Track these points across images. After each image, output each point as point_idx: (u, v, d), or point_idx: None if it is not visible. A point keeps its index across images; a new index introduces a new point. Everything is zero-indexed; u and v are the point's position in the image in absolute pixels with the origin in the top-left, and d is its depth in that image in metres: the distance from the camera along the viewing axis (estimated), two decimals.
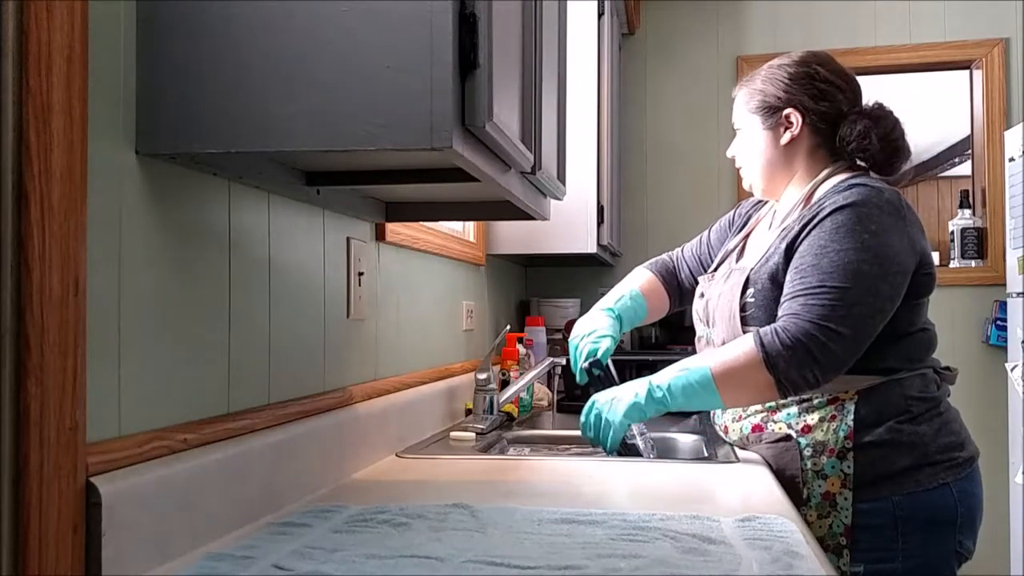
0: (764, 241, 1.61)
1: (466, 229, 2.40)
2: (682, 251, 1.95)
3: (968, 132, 3.39)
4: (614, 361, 1.73)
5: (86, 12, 0.79)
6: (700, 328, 1.71)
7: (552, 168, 1.36)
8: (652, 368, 2.50)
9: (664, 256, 1.97)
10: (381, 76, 0.85)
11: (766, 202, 1.75)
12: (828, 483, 1.47)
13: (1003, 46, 3.17)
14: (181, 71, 0.88)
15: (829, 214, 1.45)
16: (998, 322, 3.08)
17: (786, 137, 1.58)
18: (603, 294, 3.23)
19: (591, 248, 2.58)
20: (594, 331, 1.73)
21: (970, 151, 3.37)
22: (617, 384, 1.60)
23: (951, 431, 1.51)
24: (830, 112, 1.57)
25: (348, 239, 1.45)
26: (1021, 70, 3.17)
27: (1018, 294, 2.92)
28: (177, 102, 0.88)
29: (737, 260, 1.69)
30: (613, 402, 1.53)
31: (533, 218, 1.43)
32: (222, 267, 1.06)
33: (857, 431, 1.47)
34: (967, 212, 3.27)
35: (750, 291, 1.53)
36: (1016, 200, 2.94)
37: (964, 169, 5.63)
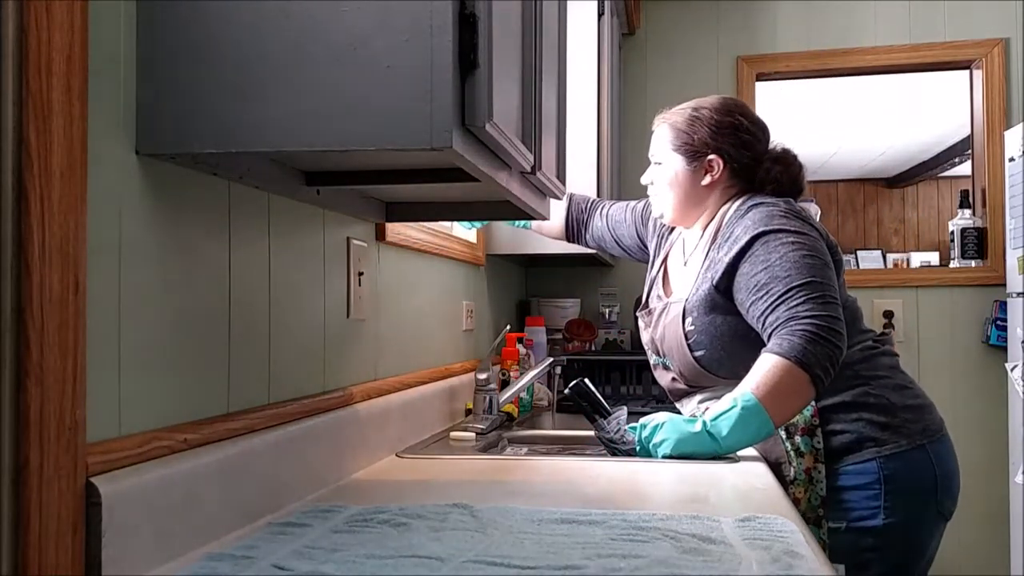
0: (689, 271, 1.75)
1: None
2: (609, 208, 2.11)
3: (968, 132, 3.39)
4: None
5: (86, 12, 0.78)
6: (653, 357, 1.84)
7: (552, 168, 1.36)
8: (651, 369, 2.51)
9: (592, 199, 2.17)
10: (381, 76, 0.85)
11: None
12: (806, 459, 1.58)
13: (1003, 46, 3.17)
14: (181, 71, 0.88)
15: (754, 236, 1.58)
16: (998, 322, 3.08)
17: (707, 180, 1.72)
18: (604, 294, 3.27)
19: (591, 248, 2.58)
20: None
21: (970, 151, 3.37)
22: (603, 404, 1.64)
23: (915, 395, 1.67)
24: (749, 159, 1.72)
25: (348, 239, 1.45)
26: (1021, 70, 3.17)
27: (1018, 294, 2.92)
28: (177, 102, 0.88)
29: (664, 291, 1.83)
30: (663, 443, 1.51)
31: (533, 218, 1.43)
32: (222, 267, 1.06)
33: (821, 409, 1.59)
34: (967, 212, 3.27)
35: (688, 320, 1.66)
36: (1016, 200, 2.94)
37: (964, 169, 5.65)
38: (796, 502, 1.55)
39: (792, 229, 1.58)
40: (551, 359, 2.15)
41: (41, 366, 0.73)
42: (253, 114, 0.87)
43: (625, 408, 1.66)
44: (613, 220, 2.08)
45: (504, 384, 2.18)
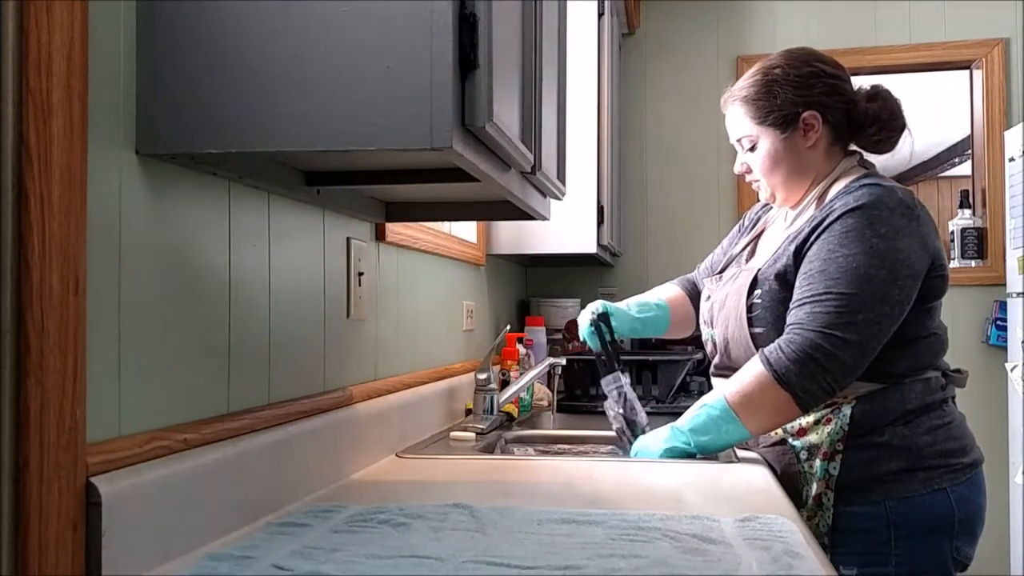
0: (774, 242, 1.60)
1: (465, 228, 2.40)
2: (698, 268, 1.93)
3: (968, 132, 3.39)
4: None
5: (86, 12, 0.79)
6: (705, 331, 1.69)
7: (552, 168, 1.36)
8: (652, 368, 2.52)
9: (684, 278, 1.95)
10: (381, 76, 0.85)
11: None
12: (818, 484, 1.48)
13: (1003, 46, 3.17)
14: (181, 71, 0.88)
15: (839, 217, 1.44)
16: (998, 322, 3.08)
17: (810, 140, 1.55)
18: (603, 295, 3.28)
19: (591, 248, 2.58)
20: (611, 312, 1.78)
21: (970, 151, 3.37)
22: (615, 358, 1.66)
23: (951, 437, 1.49)
24: (843, 104, 1.56)
25: (348, 239, 1.45)
26: (1021, 70, 3.17)
27: (1018, 294, 2.92)
28: (177, 102, 0.88)
29: (747, 261, 1.68)
30: (639, 455, 1.55)
31: (533, 218, 1.43)
32: (222, 267, 1.06)
33: (851, 435, 1.46)
34: (967, 212, 3.27)
35: (757, 291, 1.52)
36: (1016, 200, 2.94)
37: (964, 169, 5.63)
38: None
39: (884, 232, 1.41)
40: (551, 359, 2.15)
41: (41, 366, 0.73)
42: (253, 114, 0.87)
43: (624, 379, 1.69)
44: (713, 270, 1.84)
45: (504, 384, 2.18)
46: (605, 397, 1.72)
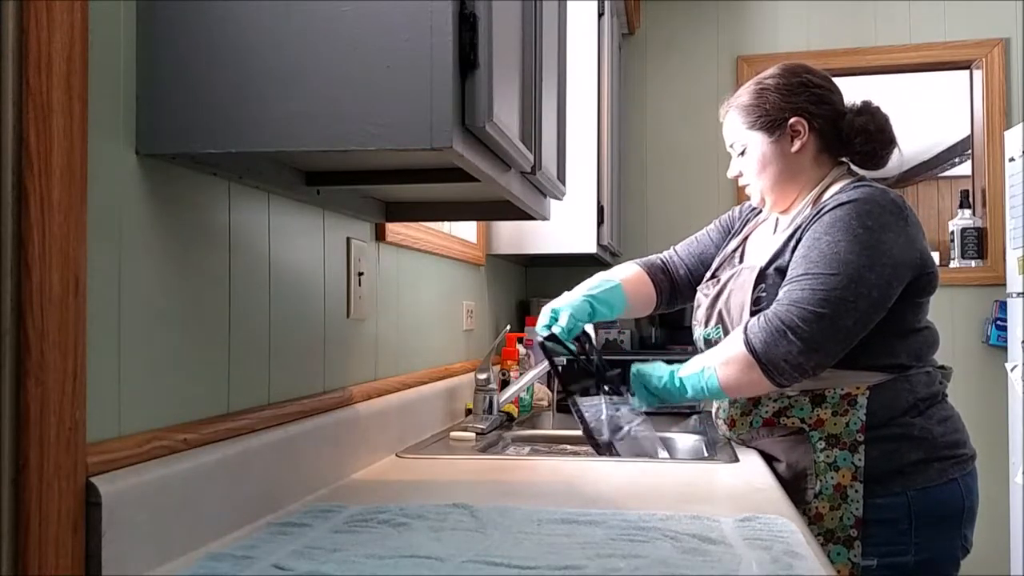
0: (771, 241, 1.65)
1: (465, 228, 2.40)
2: (675, 250, 1.95)
3: (968, 132, 3.39)
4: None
5: (86, 12, 0.79)
6: (697, 330, 1.73)
7: (552, 168, 1.37)
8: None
9: (653, 256, 1.96)
10: (381, 76, 0.85)
11: None
12: (839, 475, 1.51)
13: (1003, 46, 3.17)
14: (181, 71, 0.88)
15: (831, 210, 1.51)
16: (998, 322, 3.08)
17: (796, 145, 1.61)
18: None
19: (591, 248, 2.58)
20: (559, 308, 1.76)
21: (970, 151, 3.37)
22: (571, 352, 1.71)
23: (955, 428, 1.58)
24: (831, 114, 1.62)
25: (348, 239, 1.45)
26: (1021, 70, 3.17)
27: (1018, 294, 2.92)
28: (177, 102, 0.88)
29: (740, 262, 1.72)
30: (644, 376, 1.62)
31: (533, 218, 1.43)
32: (222, 267, 1.06)
33: (869, 426, 1.51)
34: (967, 212, 3.27)
35: (761, 286, 1.57)
36: (1016, 200, 2.94)
37: (964, 169, 5.64)
38: (818, 517, 1.50)
39: (869, 225, 1.47)
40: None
41: (41, 366, 0.73)
42: (253, 114, 0.87)
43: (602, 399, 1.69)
44: (694, 251, 1.91)
45: (504, 384, 2.18)
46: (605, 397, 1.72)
